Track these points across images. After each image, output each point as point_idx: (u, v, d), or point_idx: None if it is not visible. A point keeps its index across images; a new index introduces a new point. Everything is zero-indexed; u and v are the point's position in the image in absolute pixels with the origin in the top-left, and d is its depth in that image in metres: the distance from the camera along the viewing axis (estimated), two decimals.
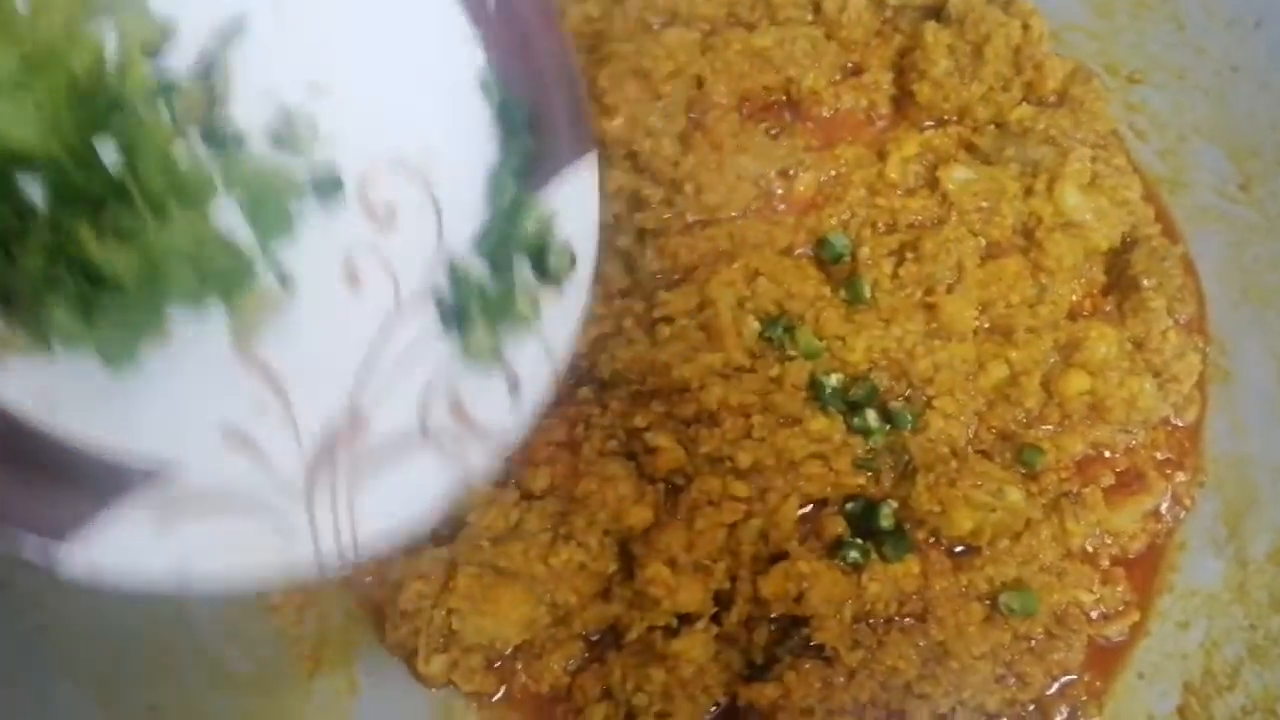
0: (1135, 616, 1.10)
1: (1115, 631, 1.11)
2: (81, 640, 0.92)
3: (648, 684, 1.04)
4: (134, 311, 0.55)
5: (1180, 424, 1.17)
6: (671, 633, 1.06)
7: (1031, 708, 1.09)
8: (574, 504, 1.10)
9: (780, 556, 1.08)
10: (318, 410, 0.62)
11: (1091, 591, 1.09)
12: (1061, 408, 1.13)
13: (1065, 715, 1.08)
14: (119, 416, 0.56)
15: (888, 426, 1.11)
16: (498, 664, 1.10)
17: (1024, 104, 1.25)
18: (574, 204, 0.72)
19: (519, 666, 1.10)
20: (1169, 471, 1.15)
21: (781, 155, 1.21)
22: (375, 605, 1.12)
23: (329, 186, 0.65)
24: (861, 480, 1.11)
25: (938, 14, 1.28)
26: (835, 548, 1.08)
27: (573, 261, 0.72)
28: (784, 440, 1.09)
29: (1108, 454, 1.15)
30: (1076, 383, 1.11)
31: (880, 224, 1.20)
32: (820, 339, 1.13)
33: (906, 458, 1.12)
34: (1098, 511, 1.11)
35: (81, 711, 0.90)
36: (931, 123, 1.28)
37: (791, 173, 1.21)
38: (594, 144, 0.74)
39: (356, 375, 0.63)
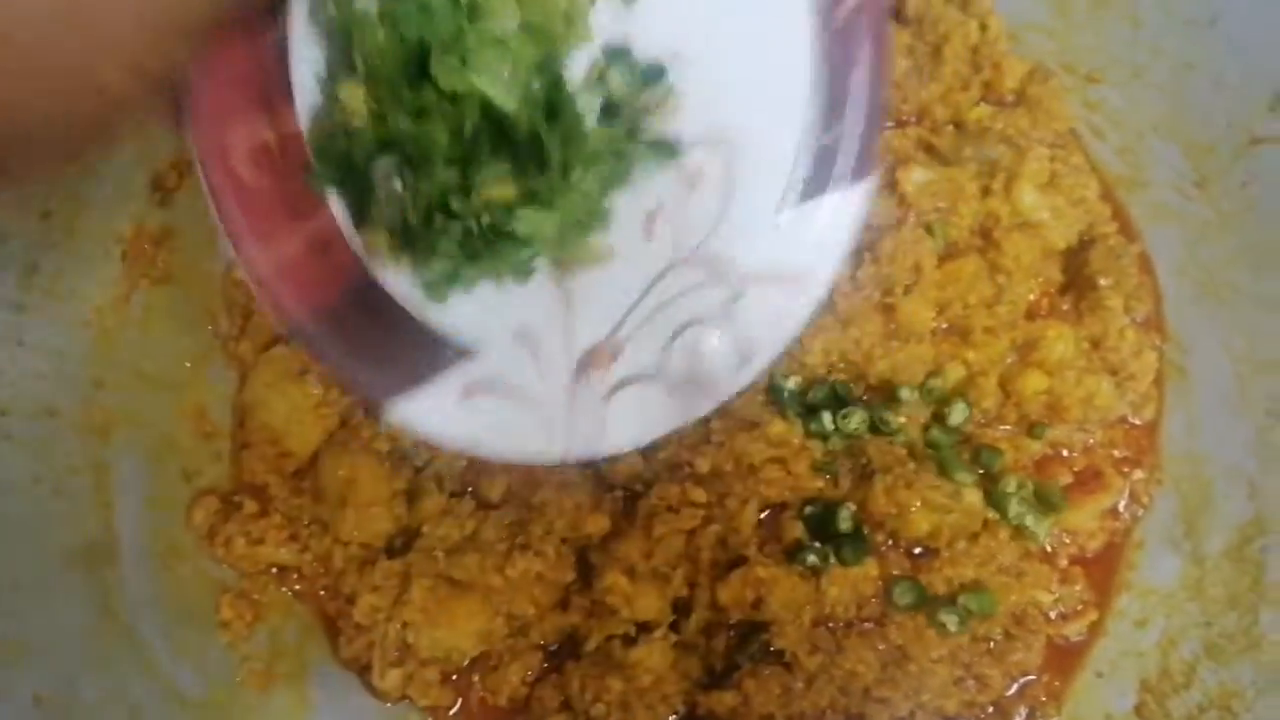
0: (1094, 615, 1.11)
1: (1074, 631, 1.11)
2: (25, 658, 0.90)
3: (606, 694, 1.03)
4: (511, 255, 0.67)
5: (1138, 422, 1.17)
6: (630, 641, 1.05)
7: (990, 709, 1.09)
8: (531, 512, 1.08)
9: (739, 562, 1.07)
10: (590, 330, 0.73)
11: (1050, 591, 1.09)
12: (1019, 408, 1.13)
13: (1024, 716, 1.09)
14: (449, 306, 0.70)
15: (852, 427, 1.11)
16: (454, 676, 1.09)
17: (982, 104, 1.25)
18: (839, 218, 0.78)
19: (476, 679, 1.09)
20: (1127, 470, 1.15)
21: None
22: (329, 619, 1.11)
23: (666, 152, 0.73)
24: (820, 483, 1.10)
25: (896, 14, 1.27)
26: (794, 552, 1.08)
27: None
28: (743, 445, 1.09)
29: (1066, 453, 1.15)
30: (1034, 382, 1.11)
31: None
32: None
33: (864, 460, 1.11)
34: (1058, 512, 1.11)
35: None
36: (890, 124, 1.27)
37: None
38: (876, 169, 0.80)
39: (625, 310, 0.74)
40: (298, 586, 1.10)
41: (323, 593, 1.10)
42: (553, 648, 1.10)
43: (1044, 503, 1.10)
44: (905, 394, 1.11)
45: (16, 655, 0.90)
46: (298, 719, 1.06)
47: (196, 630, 1.05)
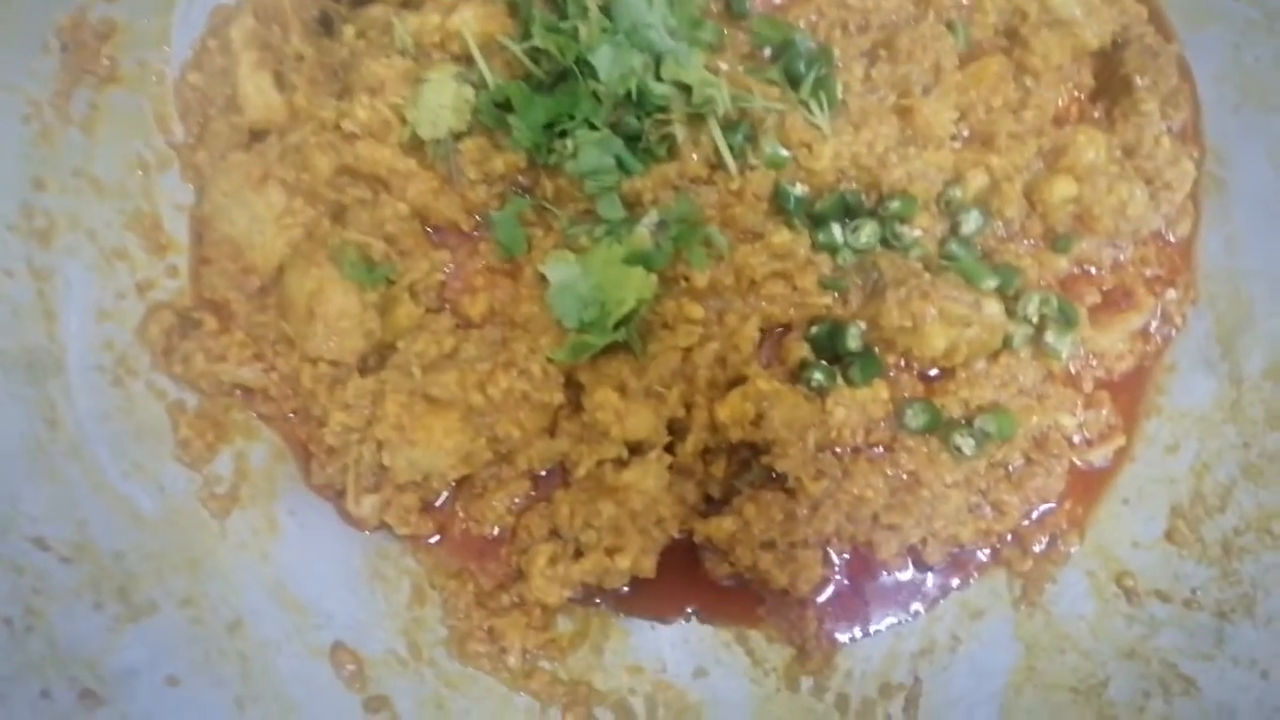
0: (1120, 441, 1.03)
1: (1099, 457, 1.04)
2: None
3: (596, 519, 0.96)
4: None
5: (1172, 238, 1.08)
6: (622, 465, 0.97)
7: (1009, 538, 1.02)
8: (515, 330, 1.00)
9: (738, 383, 0.99)
10: None
11: (1074, 415, 1.02)
12: (1045, 219, 1.04)
13: (1044, 545, 1.02)
14: None
15: (863, 240, 1.02)
16: (437, 504, 1.02)
17: None
18: None
19: (458, 508, 1.02)
20: (1159, 288, 1.07)
21: None
22: (300, 444, 1.03)
23: None
24: (828, 300, 1.02)
25: None
26: (798, 371, 1.00)
27: None
28: (744, 257, 1.00)
29: (1094, 271, 1.06)
30: (1061, 189, 1.02)
31: (851, 25, 1.08)
32: (785, 147, 1.02)
33: (876, 275, 1.02)
34: (1082, 331, 1.02)
35: None
36: None
37: None
38: None
39: None
40: (264, 409, 1.02)
41: (292, 415, 1.02)
42: (541, 474, 1.02)
43: (1066, 319, 1.01)
44: (897, 205, 1.02)
45: None
46: (265, 544, 0.98)
47: (152, 449, 0.97)
